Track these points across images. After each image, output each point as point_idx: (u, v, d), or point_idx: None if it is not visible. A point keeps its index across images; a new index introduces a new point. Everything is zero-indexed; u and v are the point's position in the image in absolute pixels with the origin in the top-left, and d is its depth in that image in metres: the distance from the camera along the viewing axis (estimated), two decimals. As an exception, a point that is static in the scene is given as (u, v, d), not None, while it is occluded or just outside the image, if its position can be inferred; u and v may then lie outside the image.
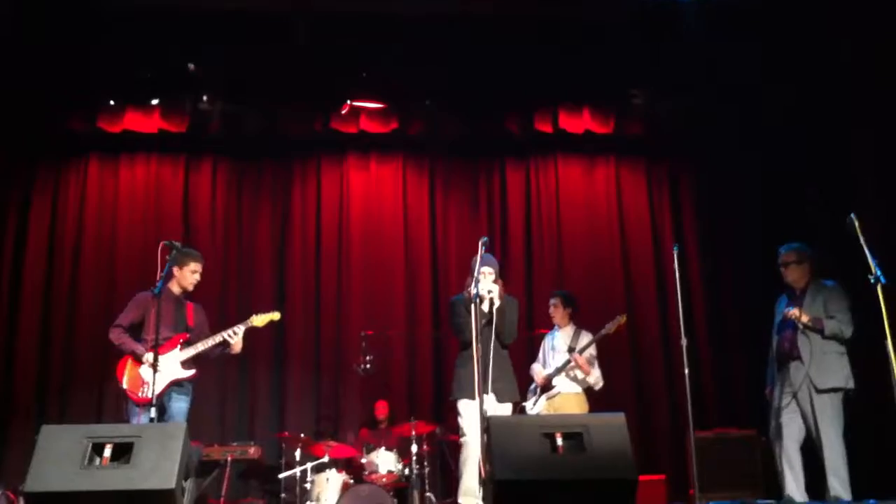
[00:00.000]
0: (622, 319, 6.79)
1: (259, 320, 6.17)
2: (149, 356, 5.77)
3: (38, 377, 8.03)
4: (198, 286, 6.20)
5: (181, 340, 5.89)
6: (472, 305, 5.05)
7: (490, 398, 5.36)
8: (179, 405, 5.89)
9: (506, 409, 5.56)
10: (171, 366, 5.79)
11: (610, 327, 6.76)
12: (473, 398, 5.34)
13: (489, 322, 5.51)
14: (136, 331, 5.96)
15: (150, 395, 5.65)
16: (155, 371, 5.26)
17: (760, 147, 8.33)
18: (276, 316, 6.28)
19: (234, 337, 5.99)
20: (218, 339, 5.96)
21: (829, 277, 5.99)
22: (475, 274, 5.29)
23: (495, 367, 5.42)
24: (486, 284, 5.55)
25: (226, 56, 7.74)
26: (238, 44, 7.54)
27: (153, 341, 5.59)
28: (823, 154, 7.71)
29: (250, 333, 6.10)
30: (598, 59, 7.83)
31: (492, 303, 5.52)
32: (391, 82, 8.20)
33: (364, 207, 8.75)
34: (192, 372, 5.92)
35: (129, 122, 8.18)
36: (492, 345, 5.43)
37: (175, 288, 6.10)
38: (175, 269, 6.06)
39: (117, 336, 5.93)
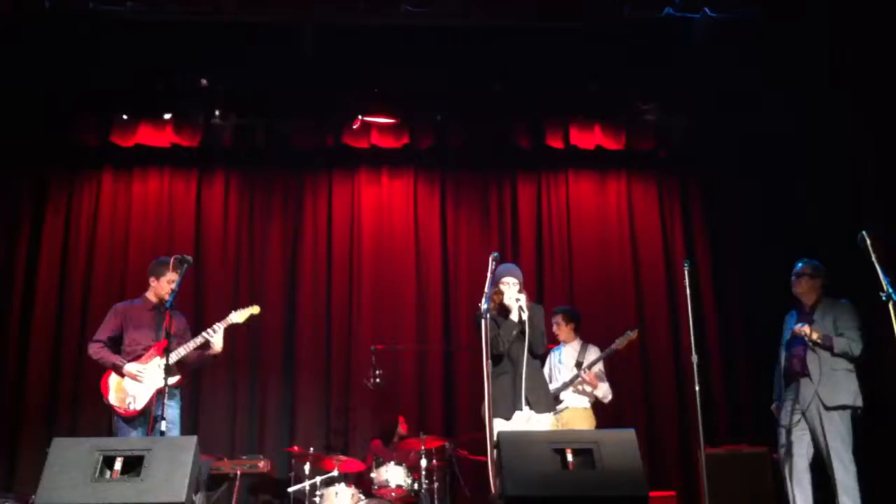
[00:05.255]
0: (633, 335, 6.77)
1: (239, 316, 6.13)
2: (130, 367, 5.80)
3: (50, 390, 8.04)
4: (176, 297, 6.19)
5: (162, 348, 5.87)
6: (483, 321, 4.99)
7: (526, 412, 5.29)
8: (171, 412, 5.84)
9: (544, 421, 5.39)
10: (155, 374, 5.76)
11: (620, 342, 6.75)
12: (508, 418, 5.27)
13: (521, 333, 5.35)
14: (116, 343, 5.98)
15: (137, 408, 5.70)
16: (167, 377, 5.28)
17: (770, 162, 8.31)
18: (255, 310, 6.23)
19: (214, 335, 5.98)
20: (199, 340, 5.94)
21: (845, 293, 5.98)
22: (490, 287, 5.16)
23: (529, 379, 5.28)
24: (513, 294, 5.43)
25: (236, 70, 7.79)
26: (248, 57, 7.60)
27: (135, 353, 5.66)
28: (827, 167, 7.68)
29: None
30: (609, 74, 7.88)
31: (521, 312, 5.35)
32: (402, 97, 8.24)
33: (375, 221, 8.75)
34: (176, 378, 5.90)
35: (142, 136, 8.22)
36: (524, 356, 5.29)
37: (153, 297, 6.11)
38: (152, 280, 6.10)
39: (96, 351, 5.95)
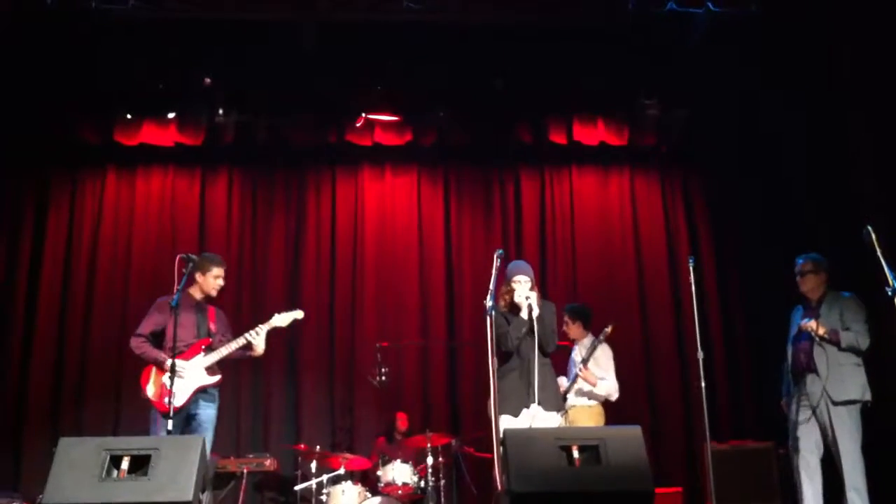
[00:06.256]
0: (609, 330, 6.78)
1: (281, 319, 6.08)
2: (170, 363, 5.79)
3: (53, 389, 8.06)
4: (221, 291, 6.19)
5: (203, 346, 5.86)
6: (488, 317, 5.00)
7: (535, 409, 5.29)
8: (208, 412, 5.85)
9: (553, 418, 5.39)
10: (196, 372, 5.75)
11: (600, 338, 6.77)
12: (517, 415, 5.28)
13: (530, 331, 5.35)
14: (157, 338, 5.95)
15: (176, 405, 5.66)
16: (172, 380, 5.28)
17: (770, 158, 8.30)
18: (299, 314, 6.19)
19: (257, 337, 5.95)
20: (241, 341, 5.91)
21: (846, 289, 5.97)
22: (495, 285, 5.18)
23: (539, 377, 5.28)
24: (523, 291, 5.45)
25: (239, 68, 7.79)
26: (251, 55, 7.60)
27: (172, 350, 5.62)
28: (826, 163, 7.67)
29: (269, 338, 6.06)
30: (611, 70, 7.87)
31: (531, 310, 5.36)
32: (404, 94, 8.23)
33: (378, 218, 8.76)
34: (217, 378, 5.89)
35: (146, 135, 8.23)
36: (535, 354, 5.29)
37: (197, 294, 6.08)
38: (198, 275, 6.04)
39: (138, 345, 5.90)
